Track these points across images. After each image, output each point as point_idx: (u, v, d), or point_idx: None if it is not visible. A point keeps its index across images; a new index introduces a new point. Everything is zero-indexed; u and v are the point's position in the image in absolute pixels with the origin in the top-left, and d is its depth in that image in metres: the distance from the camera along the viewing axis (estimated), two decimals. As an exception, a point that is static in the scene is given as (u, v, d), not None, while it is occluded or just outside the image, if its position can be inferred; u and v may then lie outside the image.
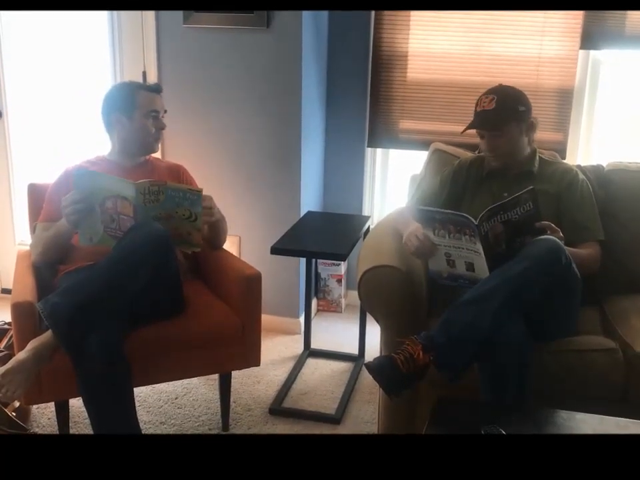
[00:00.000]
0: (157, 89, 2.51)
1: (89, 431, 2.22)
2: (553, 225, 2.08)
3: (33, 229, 2.46)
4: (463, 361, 1.94)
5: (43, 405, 2.57)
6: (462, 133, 2.36)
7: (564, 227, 2.25)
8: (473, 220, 1.99)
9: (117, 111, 2.44)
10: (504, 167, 2.41)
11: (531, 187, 2.08)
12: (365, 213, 3.56)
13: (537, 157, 2.43)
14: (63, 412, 2.24)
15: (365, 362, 1.98)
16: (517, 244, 2.05)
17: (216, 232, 2.47)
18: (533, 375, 1.98)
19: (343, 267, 3.54)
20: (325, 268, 3.55)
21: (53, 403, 2.28)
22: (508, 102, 2.31)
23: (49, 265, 2.36)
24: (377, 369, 1.91)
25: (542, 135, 3.01)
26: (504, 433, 1.64)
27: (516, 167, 2.40)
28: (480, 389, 2.00)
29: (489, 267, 2.02)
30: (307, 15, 3.00)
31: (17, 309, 2.07)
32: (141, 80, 3.19)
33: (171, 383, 2.77)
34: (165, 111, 2.53)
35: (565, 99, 3.12)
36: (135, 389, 2.10)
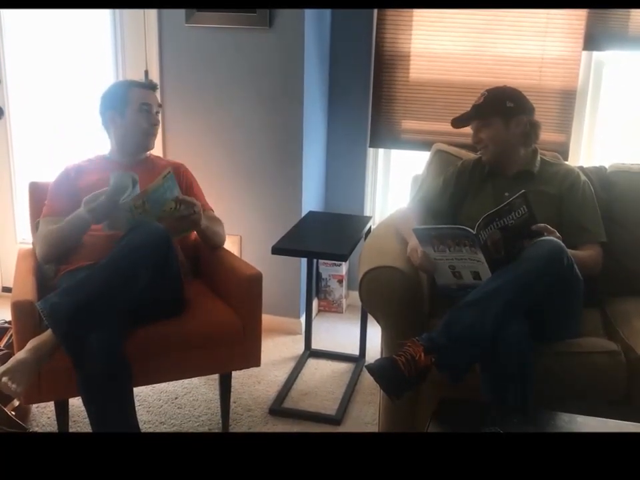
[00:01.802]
0: (150, 86, 2.51)
1: (88, 430, 2.21)
2: (549, 227, 2.08)
3: (35, 227, 2.46)
4: (464, 362, 1.94)
5: (42, 404, 2.57)
6: (452, 124, 2.43)
7: (565, 228, 2.24)
8: (470, 230, 1.99)
9: (111, 108, 2.46)
10: (497, 164, 2.42)
11: (523, 190, 2.07)
12: (367, 213, 3.55)
13: (538, 158, 2.43)
14: (62, 411, 2.24)
15: (366, 364, 1.98)
16: (516, 249, 2.04)
17: (208, 236, 2.45)
18: (534, 376, 1.97)
19: (344, 267, 3.54)
20: (326, 268, 3.54)
21: (52, 402, 2.27)
22: (495, 97, 2.37)
23: (53, 259, 2.35)
24: (378, 371, 1.90)
25: (544, 135, 2.99)
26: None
27: (515, 166, 2.41)
28: (481, 390, 1.99)
29: (492, 273, 2.02)
30: (309, 14, 3.00)
31: (17, 307, 2.06)
32: (143, 79, 3.18)
33: (171, 382, 2.76)
34: (160, 106, 2.53)
35: (567, 100, 3.11)
36: (134, 389, 2.09)
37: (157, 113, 2.51)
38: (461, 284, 2.11)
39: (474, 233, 1.99)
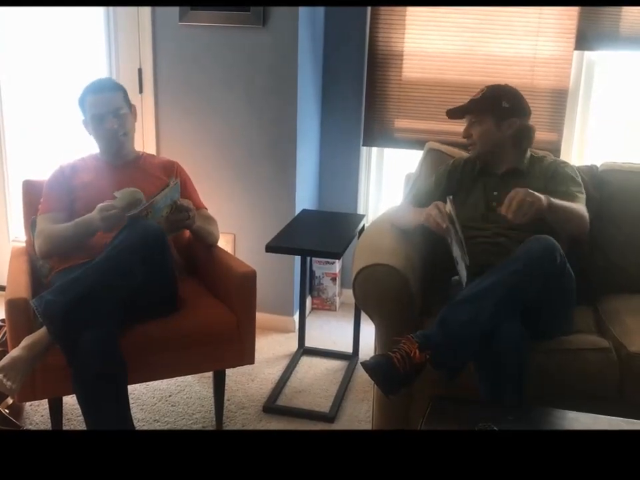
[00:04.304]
0: (99, 90, 2.40)
1: (82, 428, 2.22)
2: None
3: (30, 225, 2.46)
4: (459, 360, 1.96)
5: (36, 402, 2.56)
6: (447, 113, 2.44)
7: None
8: (466, 264, 2.14)
9: (82, 116, 2.45)
10: (485, 161, 2.44)
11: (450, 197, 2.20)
12: (360, 211, 3.56)
13: (528, 155, 2.44)
14: (56, 409, 2.24)
15: (361, 361, 1.99)
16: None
17: (202, 236, 2.46)
18: (528, 373, 1.99)
19: (337, 265, 3.55)
20: (320, 266, 3.55)
21: (46, 401, 2.27)
22: (492, 95, 2.37)
23: (54, 256, 2.35)
24: (373, 367, 1.91)
25: (537, 134, 3.02)
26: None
27: (504, 164, 2.42)
28: (477, 388, 2.00)
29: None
30: (303, 13, 3.00)
31: (11, 305, 2.06)
32: (137, 78, 3.19)
33: (165, 380, 2.76)
34: (120, 108, 2.40)
35: (559, 99, 3.13)
36: (129, 387, 2.09)
37: (118, 115, 2.39)
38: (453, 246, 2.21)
39: (467, 264, 2.15)
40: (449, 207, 2.19)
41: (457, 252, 2.16)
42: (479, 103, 2.36)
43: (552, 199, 2.10)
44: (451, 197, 2.22)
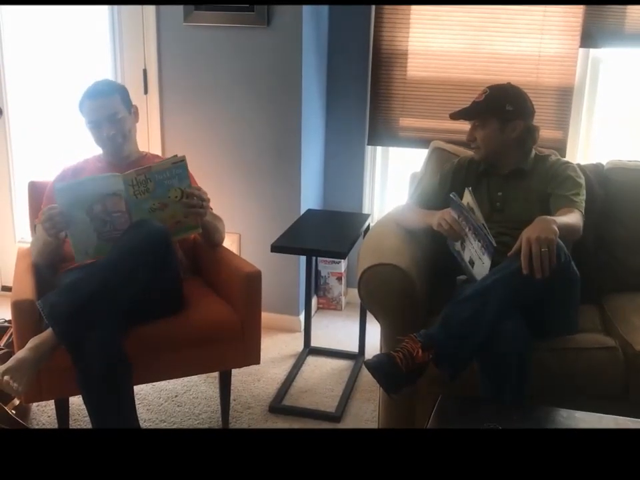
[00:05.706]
0: (94, 95, 2.37)
1: (88, 428, 2.23)
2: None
3: (34, 228, 2.47)
4: (462, 359, 1.95)
5: (42, 403, 2.58)
6: (450, 117, 2.41)
7: (551, 205, 2.29)
8: (493, 242, 2.03)
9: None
10: (490, 163, 2.42)
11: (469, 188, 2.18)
12: (365, 210, 3.56)
13: (532, 155, 2.42)
14: (62, 410, 2.25)
15: (365, 360, 1.98)
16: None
17: (209, 232, 2.44)
18: (532, 372, 1.98)
19: (343, 264, 3.55)
20: (325, 266, 3.55)
21: (52, 401, 2.28)
22: (496, 98, 2.32)
23: (44, 265, 2.36)
24: (375, 367, 1.91)
25: (542, 132, 3.01)
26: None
27: (508, 165, 2.41)
28: (480, 389, 2.00)
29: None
30: (307, 12, 3.00)
31: (17, 306, 2.07)
32: (142, 79, 3.19)
33: (170, 380, 2.77)
34: (116, 113, 2.37)
35: (564, 97, 3.12)
36: (135, 387, 2.10)
37: (114, 121, 2.37)
38: (460, 253, 2.20)
39: (494, 245, 2.04)
40: (467, 198, 2.18)
41: (473, 249, 2.13)
42: (481, 107, 2.32)
43: (558, 222, 2.01)
44: (470, 188, 2.21)
